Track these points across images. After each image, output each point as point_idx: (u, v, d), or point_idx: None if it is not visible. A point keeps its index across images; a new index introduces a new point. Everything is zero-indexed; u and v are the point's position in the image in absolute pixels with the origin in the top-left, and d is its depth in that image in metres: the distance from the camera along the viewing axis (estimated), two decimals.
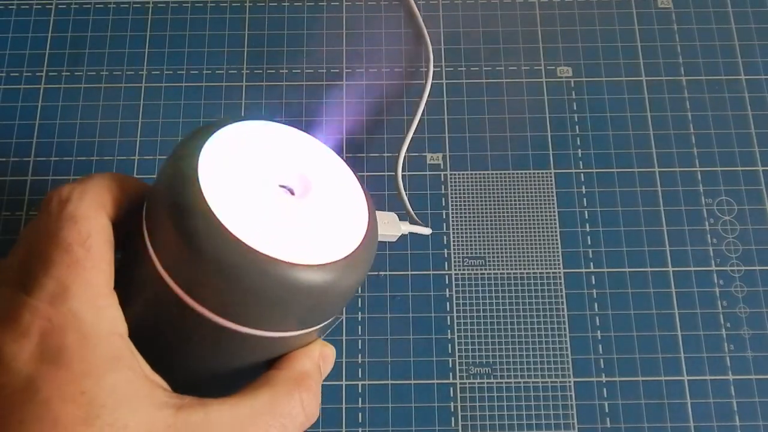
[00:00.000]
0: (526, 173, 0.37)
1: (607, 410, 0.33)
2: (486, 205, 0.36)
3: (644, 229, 0.36)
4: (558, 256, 0.35)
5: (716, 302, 0.35)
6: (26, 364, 0.20)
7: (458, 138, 0.37)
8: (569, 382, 0.33)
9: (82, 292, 0.21)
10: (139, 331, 0.22)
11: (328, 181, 0.25)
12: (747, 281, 0.35)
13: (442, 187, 0.37)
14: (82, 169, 0.36)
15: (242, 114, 0.38)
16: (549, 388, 0.33)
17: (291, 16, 0.40)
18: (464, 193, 0.36)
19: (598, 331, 0.34)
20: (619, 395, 0.33)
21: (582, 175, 0.37)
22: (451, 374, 0.33)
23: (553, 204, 0.36)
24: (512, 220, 0.36)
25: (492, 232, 0.36)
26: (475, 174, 0.37)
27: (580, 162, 0.37)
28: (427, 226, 0.34)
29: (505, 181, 0.37)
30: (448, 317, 0.34)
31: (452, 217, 0.36)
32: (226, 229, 0.20)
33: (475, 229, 0.36)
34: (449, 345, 0.34)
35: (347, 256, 0.23)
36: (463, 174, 0.37)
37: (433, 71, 0.38)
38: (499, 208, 0.36)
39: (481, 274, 0.35)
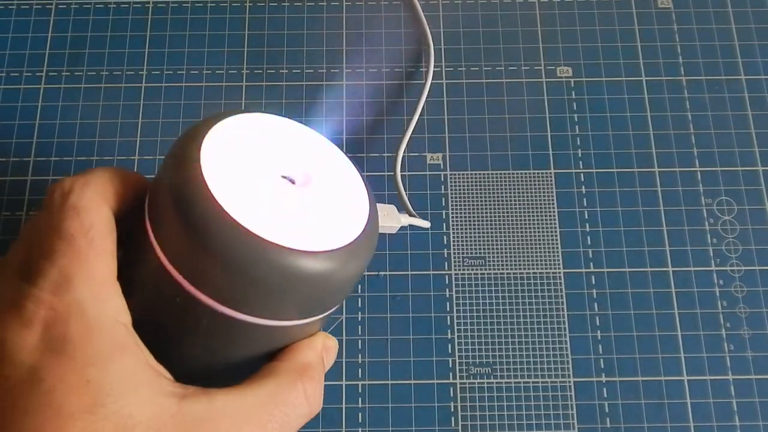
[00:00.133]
0: (526, 173, 0.37)
1: (607, 410, 0.33)
2: (486, 205, 0.36)
3: (644, 229, 0.36)
4: (558, 256, 0.35)
5: (716, 302, 0.35)
6: (30, 354, 0.20)
7: (458, 138, 0.37)
8: (569, 382, 0.33)
9: (86, 281, 0.21)
10: (142, 323, 0.22)
11: (329, 171, 0.25)
12: (747, 281, 0.35)
13: (442, 187, 0.37)
14: (82, 169, 0.36)
15: None
16: (549, 388, 0.33)
17: (291, 16, 0.40)
18: (464, 193, 0.36)
19: (598, 331, 0.34)
20: (619, 395, 0.33)
21: (582, 175, 0.37)
22: (451, 374, 0.33)
23: (553, 204, 0.36)
24: (512, 220, 0.36)
25: (492, 232, 0.36)
26: (475, 174, 0.37)
27: (580, 162, 0.37)
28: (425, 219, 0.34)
29: (505, 181, 0.37)
30: (448, 317, 0.34)
31: (452, 217, 0.36)
32: (229, 215, 0.21)
33: (475, 229, 0.36)
34: (449, 345, 0.34)
35: (349, 243, 0.23)
36: (463, 174, 0.37)
37: (433, 71, 0.38)
38: (499, 208, 0.36)
39: (481, 274, 0.35)
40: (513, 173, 0.37)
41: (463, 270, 0.35)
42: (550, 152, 0.37)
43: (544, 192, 0.36)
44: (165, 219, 0.22)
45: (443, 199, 0.36)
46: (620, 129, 0.38)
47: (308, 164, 0.24)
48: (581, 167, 0.37)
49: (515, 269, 0.35)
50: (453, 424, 0.33)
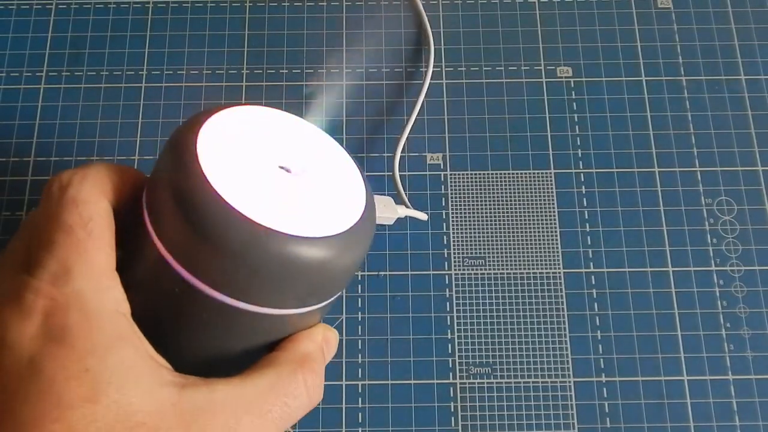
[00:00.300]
0: (526, 173, 0.37)
1: (607, 410, 0.33)
2: (486, 205, 0.36)
3: (644, 229, 0.36)
4: (558, 256, 0.35)
5: (716, 302, 0.35)
6: (30, 343, 0.20)
7: (458, 138, 0.37)
8: (569, 382, 0.33)
9: (85, 272, 0.21)
10: (142, 316, 0.22)
11: (325, 161, 0.25)
12: (747, 281, 0.35)
13: (442, 187, 0.37)
14: None
15: None
16: (549, 388, 0.33)
17: (291, 16, 0.40)
18: (464, 193, 0.36)
19: (598, 331, 0.34)
20: (619, 395, 0.33)
21: (582, 175, 0.37)
22: (451, 374, 0.33)
23: (553, 204, 0.36)
24: (512, 220, 0.36)
25: (492, 232, 0.36)
26: (475, 174, 0.37)
27: (580, 162, 0.37)
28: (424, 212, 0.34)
29: (505, 181, 0.37)
30: (448, 317, 0.34)
31: (452, 217, 0.36)
32: (226, 202, 0.21)
33: (475, 229, 0.36)
34: (449, 345, 0.34)
35: (347, 230, 0.23)
36: (463, 174, 0.37)
37: (433, 71, 0.38)
38: (499, 208, 0.36)
39: (481, 274, 0.35)
40: (513, 173, 0.37)
41: (463, 270, 0.35)
42: (550, 152, 0.37)
43: (544, 192, 0.36)
44: (162, 208, 0.22)
45: (443, 199, 0.36)
46: (620, 129, 0.38)
47: (305, 154, 0.25)
48: (581, 167, 0.37)
49: (515, 269, 0.35)
50: (453, 424, 0.33)
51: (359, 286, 0.35)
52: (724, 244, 0.36)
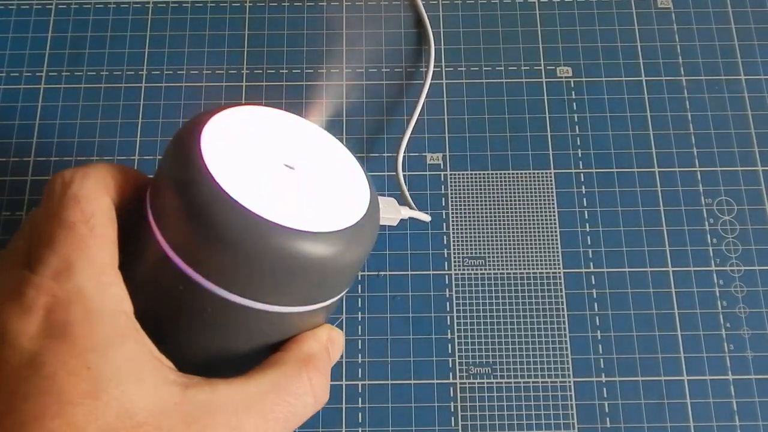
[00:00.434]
0: (526, 173, 0.37)
1: (607, 410, 0.33)
2: (486, 205, 0.36)
3: (644, 229, 0.36)
4: (558, 256, 0.35)
5: (716, 302, 0.35)
6: (31, 339, 0.20)
7: (458, 138, 0.37)
8: (569, 382, 0.33)
9: (87, 268, 0.21)
10: (145, 315, 0.22)
11: (328, 159, 0.25)
12: (747, 281, 0.35)
13: (442, 187, 0.37)
14: None
15: None
16: (549, 388, 0.33)
17: (291, 16, 0.40)
18: (464, 193, 0.36)
19: (598, 331, 0.34)
20: (619, 395, 0.33)
21: (582, 175, 0.37)
22: (451, 374, 0.33)
23: (553, 204, 0.36)
24: (512, 220, 0.36)
25: (492, 232, 0.36)
26: (475, 174, 0.37)
27: (580, 162, 0.37)
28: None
29: (505, 181, 0.37)
30: (448, 317, 0.34)
31: (452, 217, 0.36)
32: (230, 197, 0.21)
33: (475, 229, 0.36)
34: (449, 345, 0.34)
35: (351, 226, 0.23)
36: (463, 174, 0.37)
37: (433, 71, 0.38)
38: (499, 208, 0.36)
39: (481, 274, 0.35)
40: (513, 173, 0.37)
41: (463, 270, 0.35)
42: (550, 152, 0.37)
43: (544, 192, 0.36)
44: (166, 206, 0.22)
45: (443, 199, 0.36)
46: (620, 129, 0.38)
47: (308, 153, 0.25)
48: (581, 167, 0.37)
49: (515, 269, 0.35)
50: (453, 424, 0.33)
51: (359, 286, 0.35)
52: (724, 244, 0.36)
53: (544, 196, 0.36)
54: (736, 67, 0.39)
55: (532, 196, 0.36)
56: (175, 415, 0.20)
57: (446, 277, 0.35)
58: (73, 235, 0.21)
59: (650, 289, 0.35)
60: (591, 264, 0.35)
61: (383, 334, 0.34)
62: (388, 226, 0.35)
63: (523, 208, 0.36)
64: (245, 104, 0.25)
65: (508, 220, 0.36)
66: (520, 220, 0.36)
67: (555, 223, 0.36)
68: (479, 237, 0.36)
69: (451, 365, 0.34)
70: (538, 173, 0.37)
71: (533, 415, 0.33)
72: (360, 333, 0.34)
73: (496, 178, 0.37)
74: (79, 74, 0.38)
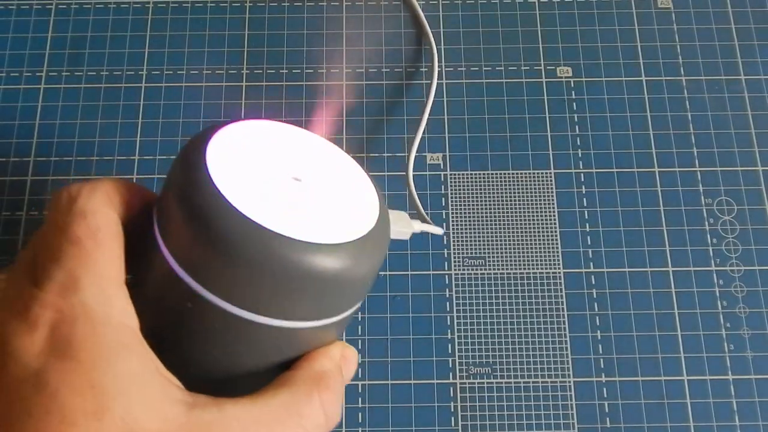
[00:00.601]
0: (526, 173, 0.37)
1: (607, 410, 0.33)
2: (486, 205, 0.36)
3: (644, 229, 0.36)
4: (558, 256, 0.35)
5: (716, 302, 0.35)
6: (36, 356, 0.20)
7: (458, 138, 0.37)
8: (569, 382, 0.33)
9: (92, 283, 0.21)
10: (152, 333, 0.22)
11: (337, 172, 0.25)
12: (747, 281, 0.35)
13: (442, 187, 0.37)
14: (82, 169, 0.36)
15: (242, 115, 0.38)
16: (549, 388, 0.33)
17: (291, 16, 0.40)
18: (464, 193, 0.36)
19: (598, 331, 0.34)
20: (619, 395, 0.33)
21: (582, 175, 0.37)
22: (451, 374, 0.33)
23: (553, 204, 0.36)
24: (512, 220, 0.36)
25: (492, 232, 0.36)
26: (475, 174, 0.37)
27: (580, 162, 0.37)
28: (440, 226, 0.34)
29: (505, 181, 0.37)
30: (448, 317, 0.34)
31: (452, 217, 0.36)
32: (237, 210, 0.21)
33: (475, 229, 0.36)
34: (449, 345, 0.34)
35: (360, 238, 0.22)
36: (463, 174, 0.37)
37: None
38: (499, 208, 0.36)
39: (481, 274, 0.35)
40: (513, 173, 0.37)
41: (463, 270, 0.35)
42: (550, 152, 0.37)
43: (544, 192, 0.36)
44: (173, 221, 0.22)
45: (443, 199, 0.36)
46: (620, 129, 0.38)
47: (316, 166, 0.24)
48: (581, 167, 0.37)
49: (515, 269, 0.35)
50: (453, 424, 0.33)
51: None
52: (724, 244, 0.36)
53: (544, 196, 0.36)
54: (736, 67, 0.39)
55: (532, 196, 0.36)
56: None
57: (446, 277, 0.35)
58: (79, 249, 0.21)
59: (650, 289, 0.35)
60: (591, 264, 0.35)
61: (383, 334, 0.34)
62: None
63: (523, 208, 0.36)
64: (252, 119, 0.25)
65: (508, 220, 0.36)
66: (520, 220, 0.36)
67: (555, 223, 0.36)
68: (479, 237, 0.36)
69: (451, 365, 0.34)
70: (538, 173, 0.37)
71: (533, 415, 0.33)
72: (360, 333, 0.34)
73: (496, 178, 0.37)
74: (79, 74, 0.38)
